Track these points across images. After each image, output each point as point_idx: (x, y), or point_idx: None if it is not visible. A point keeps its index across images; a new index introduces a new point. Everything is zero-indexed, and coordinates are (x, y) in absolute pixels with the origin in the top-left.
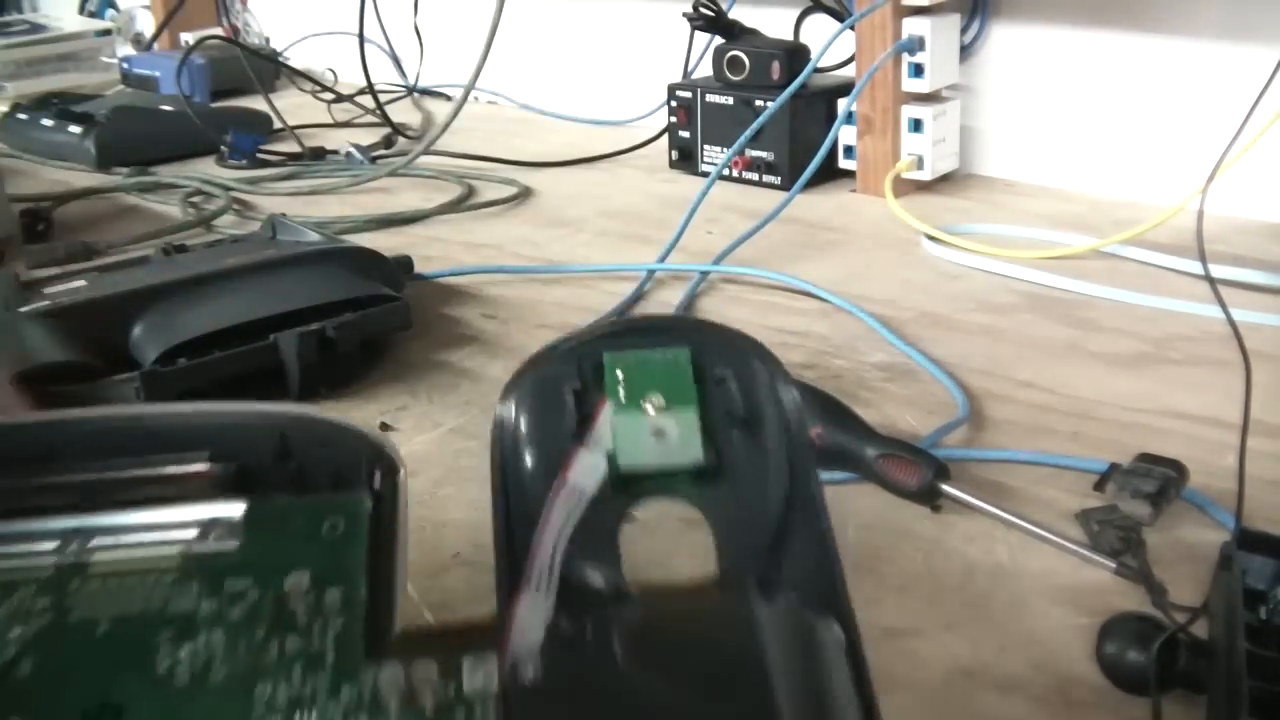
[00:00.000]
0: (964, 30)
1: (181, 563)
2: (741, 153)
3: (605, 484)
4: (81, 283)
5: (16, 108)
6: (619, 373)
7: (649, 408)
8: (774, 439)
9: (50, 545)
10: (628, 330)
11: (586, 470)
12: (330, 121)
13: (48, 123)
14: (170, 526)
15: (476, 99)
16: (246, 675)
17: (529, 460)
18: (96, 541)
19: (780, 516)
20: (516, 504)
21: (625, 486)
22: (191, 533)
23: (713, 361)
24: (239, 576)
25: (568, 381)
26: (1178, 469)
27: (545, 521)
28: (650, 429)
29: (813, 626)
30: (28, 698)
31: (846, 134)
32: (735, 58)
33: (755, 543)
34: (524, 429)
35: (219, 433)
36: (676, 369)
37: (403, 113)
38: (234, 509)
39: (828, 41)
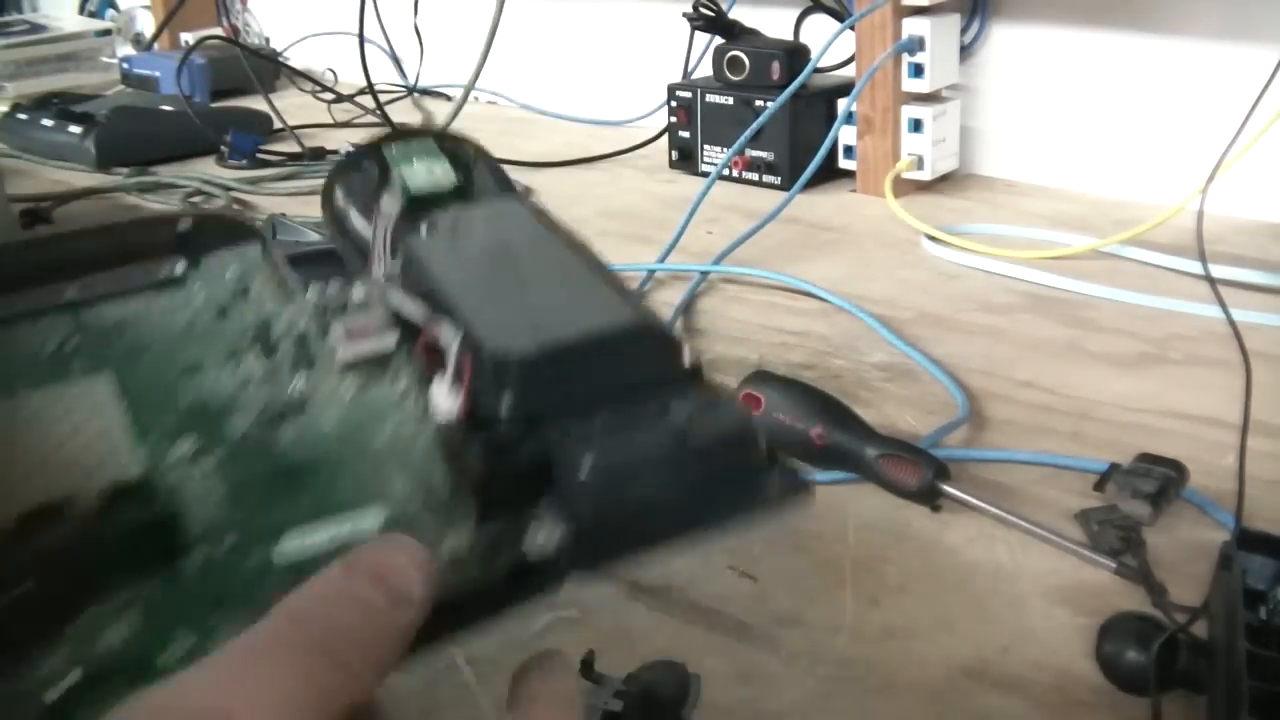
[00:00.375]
0: (964, 30)
1: (154, 287)
2: (741, 153)
3: (404, 207)
4: None
5: (16, 108)
6: (394, 152)
7: (416, 162)
8: (482, 171)
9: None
10: (391, 136)
11: (390, 203)
12: (330, 121)
13: (48, 123)
14: (139, 277)
15: (476, 99)
16: (217, 317)
17: (354, 212)
18: (92, 297)
19: (498, 191)
20: (355, 241)
21: (415, 207)
22: (154, 276)
23: (446, 143)
24: (195, 283)
25: (365, 168)
26: (1178, 469)
27: (374, 233)
28: (422, 171)
29: (537, 205)
30: (81, 370)
31: (846, 134)
32: (735, 58)
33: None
34: (345, 198)
35: (149, 228)
36: (426, 144)
37: (403, 113)
38: (179, 262)
39: (828, 41)
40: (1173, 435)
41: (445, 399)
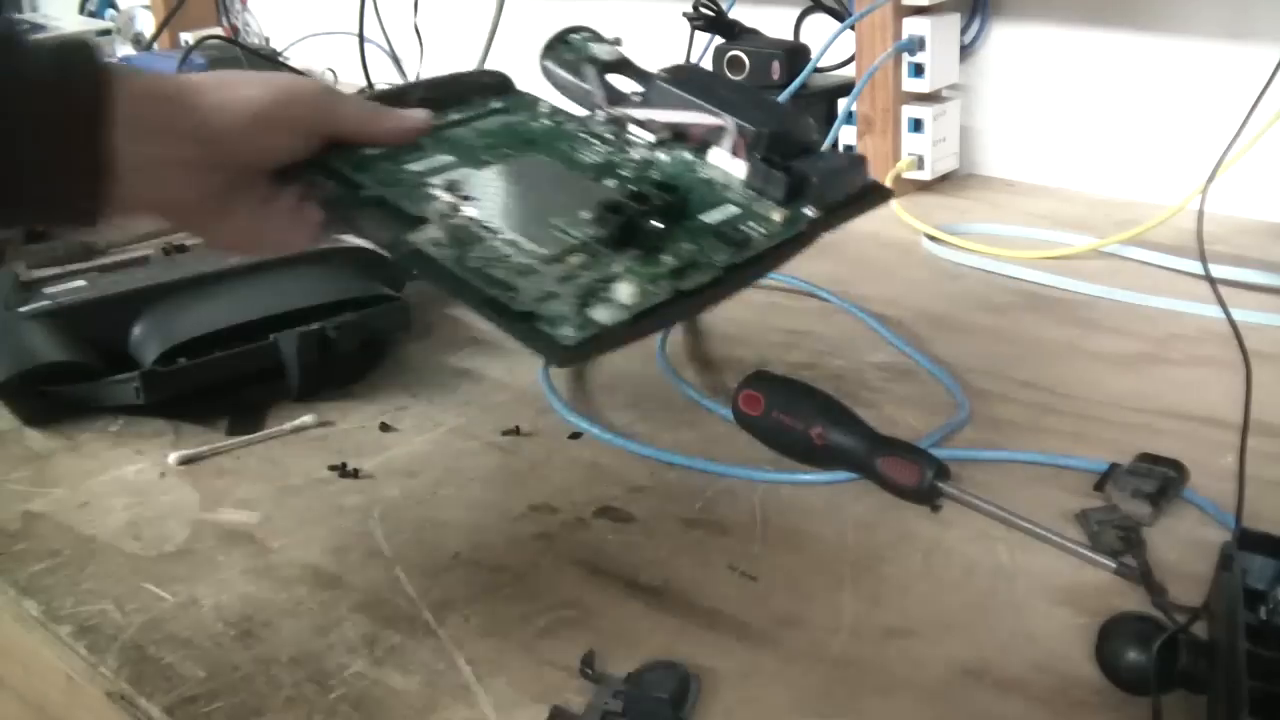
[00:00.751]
0: (964, 30)
1: (497, 111)
2: None
3: (598, 71)
4: (81, 283)
5: None
6: (578, 38)
7: (594, 45)
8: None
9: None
10: (570, 30)
11: (590, 68)
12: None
13: None
14: (480, 105)
15: None
16: (553, 125)
17: (567, 75)
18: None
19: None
20: (573, 90)
21: (602, 69)
22: (489, 106)
23: (598, 35)
24: (518, 110)
25: (559, 49)
26: (1178, 469)
27: (594, 84)
28: (602, 50)
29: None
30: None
31: (846, 134)
32: (735, 58)
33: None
34: (557, 68)
35: (479, 76)
36: (591, 34)
37: None
38: (496, 99)
39: (828, 41)
40: (1173, 435)
41: (725, 156)
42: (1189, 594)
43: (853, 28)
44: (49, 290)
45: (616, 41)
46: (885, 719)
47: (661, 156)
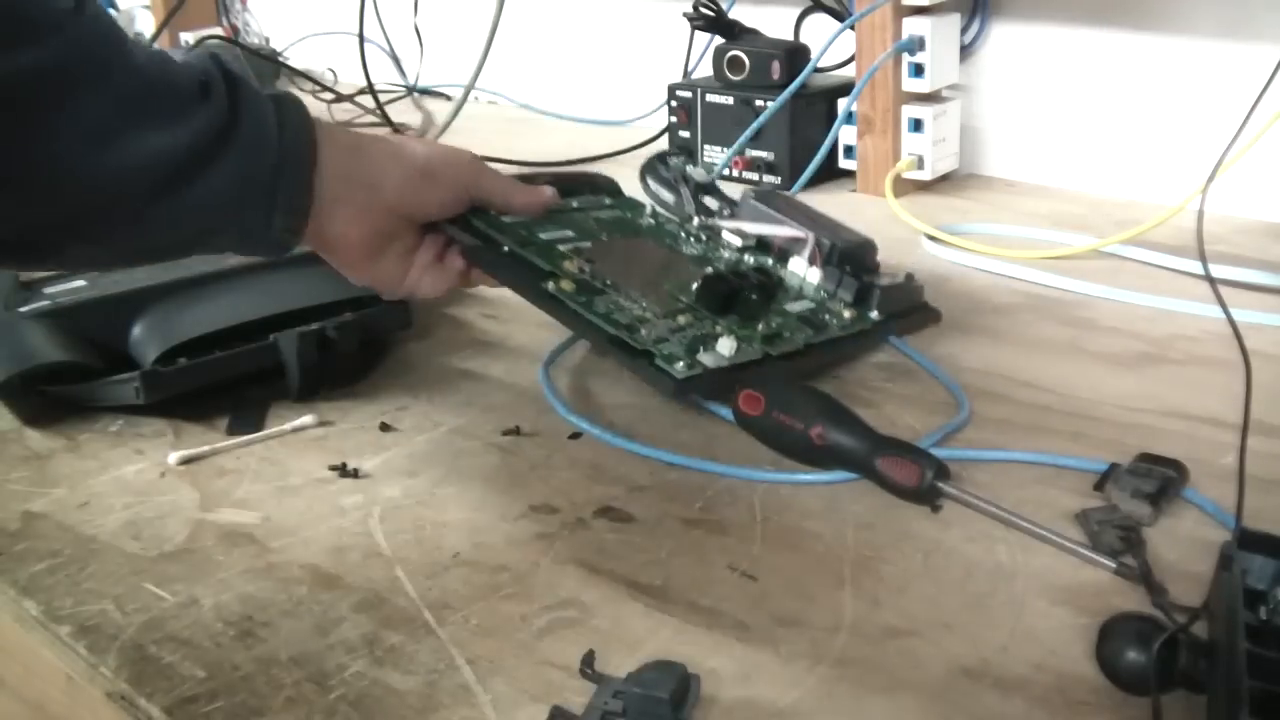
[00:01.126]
0: (964, 30)
1: (610, 206)
2: (741, 153)
3: (693, 190)
4: (81, 283)
5: None
6: (676, 160)
7: (690, 167)
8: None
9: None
10: (668, 152)
11: (686, 188)
12: (330, 122)
13: None
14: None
15: (476, 99)
16: (655, 223)
17: (664, 190)
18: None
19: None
20: (667, 203)
21: (696, 190)
22: (602, 201)
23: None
24: (624, 207)
25: (659, 169)
26: (1178, 469)
27: (688, 199)
28: (698, 172)
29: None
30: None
31: (846, 134)
32: (735, 58)
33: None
34: (656, 184)
35: (591, 175)
36: (685, 158)
37: (403, 113)
38: (606, 196)
39: (828, 41)
40: (1173, 435)
41: (804, 265)
42: (1189, 594)
43: (853, 28)
44: (49, 290)
45: (710, 167)
46: (885, 719)
47: (748, 259)
